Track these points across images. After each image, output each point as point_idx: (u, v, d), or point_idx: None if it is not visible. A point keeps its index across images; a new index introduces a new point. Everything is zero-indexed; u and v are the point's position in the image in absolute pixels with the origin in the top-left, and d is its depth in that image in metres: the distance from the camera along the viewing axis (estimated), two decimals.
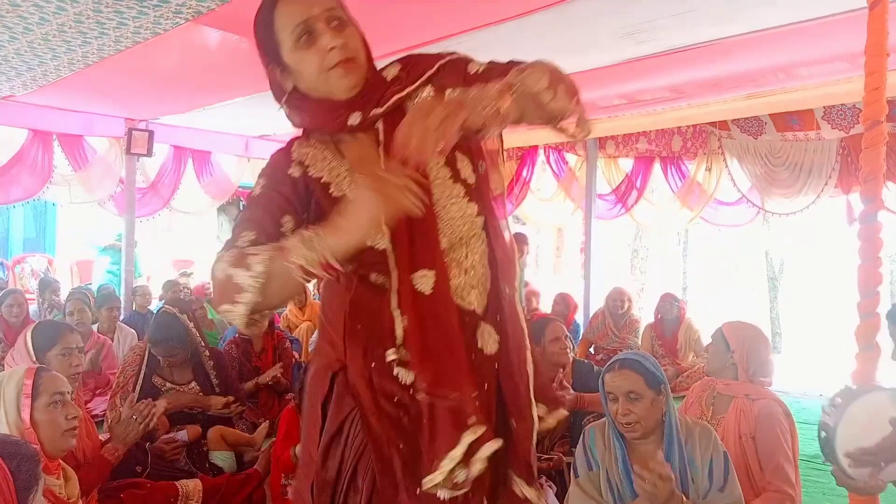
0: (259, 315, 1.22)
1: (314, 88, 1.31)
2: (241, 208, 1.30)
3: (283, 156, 1.36)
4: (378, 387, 1.30)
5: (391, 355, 1.28)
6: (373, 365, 1.32)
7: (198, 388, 3.24)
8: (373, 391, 1.30)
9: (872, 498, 1.86)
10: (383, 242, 1.26)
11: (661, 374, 2.13)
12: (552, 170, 7.22)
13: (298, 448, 2.77)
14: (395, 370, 1.29)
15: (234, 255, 1.20)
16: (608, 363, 2.23)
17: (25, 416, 1.92)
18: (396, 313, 1.28)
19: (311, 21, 1.25)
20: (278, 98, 1.39)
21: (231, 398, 3.22)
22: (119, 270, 6.91)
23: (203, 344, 3.35)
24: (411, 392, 1.27)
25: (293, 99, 1.36)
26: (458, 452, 1.18)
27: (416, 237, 1.28)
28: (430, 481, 1.20)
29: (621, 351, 5.15)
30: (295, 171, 1.32)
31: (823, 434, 1.76)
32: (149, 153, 6.15)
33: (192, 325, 3.28)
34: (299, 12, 1.26)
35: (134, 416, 2.53)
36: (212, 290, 1.22)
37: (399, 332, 1.28)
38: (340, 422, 1.35)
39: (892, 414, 1.63)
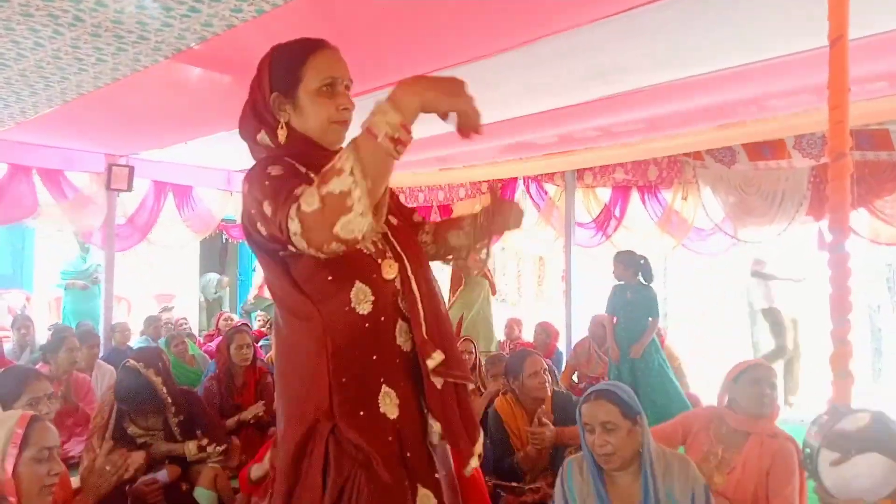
0: (375, 214, 1.28)
1: (310, 129, 1.48)
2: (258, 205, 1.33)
3: (275, 158, 1.45)
4: (374, 433, 1.39)
5: (437, 358, 1.43)
6: (361, 413, 1.39)
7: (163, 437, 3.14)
8: (374, 438, 1.39)
9: None
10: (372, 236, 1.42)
11: (636, 404, 2.13)
12: (532, 200, 7.29)
13: (255, 468, 2.73)
14: (385, 406, 1.42)
15: (313, 185, 1.21)
16: (584, 394, 2.24)
17: (9, 466, 1.86)
18: (419, 307, 1.45)
19: (339, 80, 1.49)
20: (262, 121, 1.50)
21: (205, 440, 3.10)
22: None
23: (168, 400, 3.22)
24: (397, 426, 1.43)
25: (288, 128, 1.49)
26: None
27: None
28: (476, 451, 1.48)
29: (605, 377, 5.18)
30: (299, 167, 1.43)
31: (807, 451, 1.78)
32: (129, 188, 6.13)
33: (158, 379, 3.18)
34: (334, 68, 1.49)
35: (107, 467, 2.47)
36: (309, 227, 1.18)
37: (422, 328, 1.44)
38: (341, 486, 1.37)
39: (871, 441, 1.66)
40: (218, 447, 3.12)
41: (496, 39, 3.10)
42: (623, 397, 2.12)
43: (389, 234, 1.52)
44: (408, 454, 1.44)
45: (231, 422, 4.06)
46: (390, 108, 1.19)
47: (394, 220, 1.57)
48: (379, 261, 1.46)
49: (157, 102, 4.28)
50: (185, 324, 7.45)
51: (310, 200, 1.19)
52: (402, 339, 1.47)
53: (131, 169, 6.06)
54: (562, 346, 6.53)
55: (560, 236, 7.04)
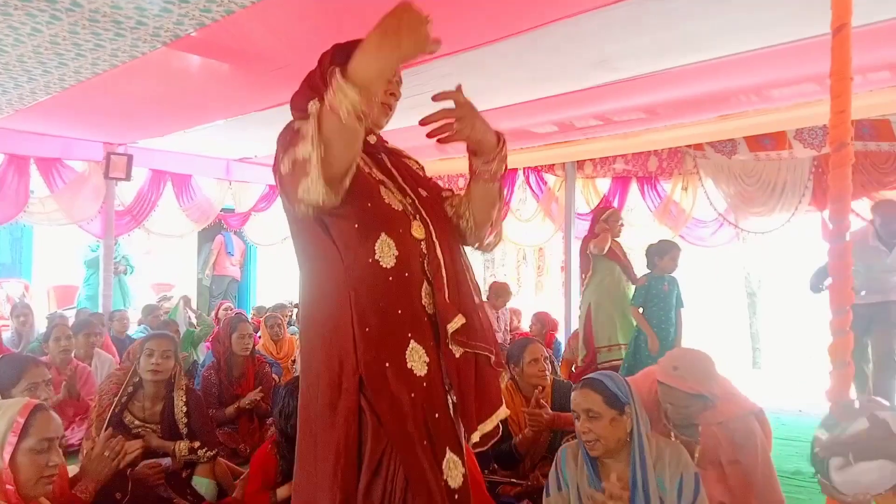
0: (338, 182, 1.35)
1: None
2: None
3: None
4: (400, 385, 1.42)
5: (458, 322, 1.46)
6: (387, 365, 1.42)
7: (160, 433, 3.09)
8: (399, 393, 1.42)
9: None
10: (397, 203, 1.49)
11: (623, 395, 2.13)
12: (532, 190, 7.28)
13: (283, 490, 2.72)
14: (412, 361, 1.43)
15: (290, 147, 1.34)
16: (577, 382, 2.26)
17: (7, 455, 1.86)
18: (443, 272, 1.50)
19: (397, 71, 1.61)
20: (316, 91, 1.49)
21: (197, 443, 3.06)
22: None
23: (183, 388, 3.19)
24: (424, 384, 1.44)
25: None
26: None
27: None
28: (482, 429, 1.48)
29: (600, 369, 5.14)
30: None
31: (817, 449, 1.77)
32: (127, 177, 6.11)
33: (177, 366, 3.19)
34: None
35: (106, 453, 2.47)
36: (284, 186, 1.37)
37: (445, 292, 1.48)
38: (380, 456, 1.40)
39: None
40: (209, 452, 3.09)
41: (499, 26, 3.09)
42: (610, 387, 2.13)
43: (418, 202, 1.58)
44: (436, 415, 1.45)
45: (230, 410, 4.06)
46: (347, 86, 1.23)
47: (423, 192, 1.63)
48: (410, 218, 1.53)
49: (155, 90, 4.27)
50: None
51: (286, 163, 1.32)
52: (426, 301, 1.50)
53: (130, 157, 6.04)
54: (561, 337, 6.53)
55: (559, 230, 7.03)
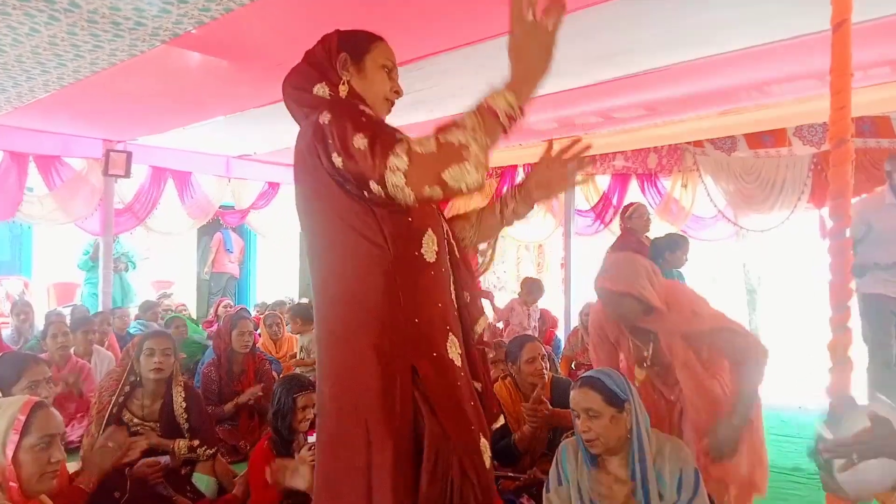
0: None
1: (368, 94, 1.58)
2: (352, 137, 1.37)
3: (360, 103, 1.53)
4: (447, 376, 1.48)
5: (482, 324, 1.59)
6: (434, 355, 1.48)
7: (159, 431, 3.08)
8: (449, 381, 1.48)
9: None
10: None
11: (623, 392, 2.13)
12: None
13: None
14: (452, 353, 1.50)
15: (430, 134, 1.31)
16: (576, 380, 2.25)
17: (9, 452, 1.87)
18: (462, 268, 1.61)
19: (395, 69, 1.65)
20: (324, 75, 1.57)
21: (196, 442, 3.04)
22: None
23: (181, 383, 3.18)
24: (462, 373, 1.51)
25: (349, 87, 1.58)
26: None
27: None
28: (500, 422, 1.64)
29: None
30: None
31: (820, 448, 1.76)
32: (127, 174, 6.10)
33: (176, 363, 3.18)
34: (393, 58, 1.65)
35: (110, 444, 2.47)
36: (417, 164, 1.28)
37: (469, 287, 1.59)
38: (436, 449, 1.43)
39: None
40: (208, 450, 3.09)
41: (500, 22, 3.07)
42: (609, 385, 2.13)
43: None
44: (472, 403, 1.52)
45: (229, 406, 4.06)
46: (510, 92, 1.32)
47: None
48: (439, 215, 1.60)
49: (154, 87, 4.26)
50: (185, 310, 7.46)
51: (426, 143, 1.29)
52: (453, 297, 1.58)
53: (129, 154, 6.03)
54: (561, 334, 6.53)
55: (560, 225, 7.03)
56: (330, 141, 1.38)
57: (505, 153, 6.66)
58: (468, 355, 1.57)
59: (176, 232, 7.42)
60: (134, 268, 7.54)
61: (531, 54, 1.35)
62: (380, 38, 1.65)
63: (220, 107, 4.80)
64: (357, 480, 1.44)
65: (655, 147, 6.18)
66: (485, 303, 5.76)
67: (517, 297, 6.34)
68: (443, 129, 1.30)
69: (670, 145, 6.09)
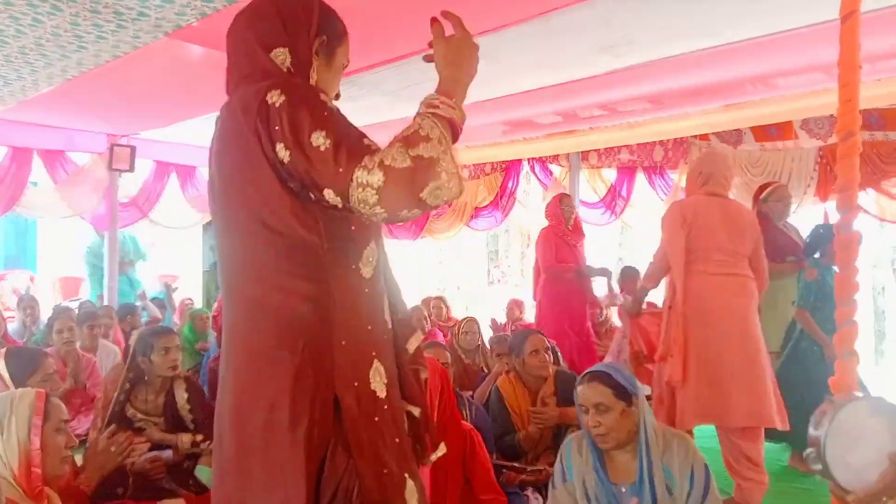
0: None
1: (325, 88, 1.42)
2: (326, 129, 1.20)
3: (319, 90, 1.37)
4: (363, 410, 1.30)
5: (414, 342, 1.46)
6: (355, 385, 1.30)
7: (163, 425, 3.07)
8: (364, 416, 1.30)
9: None
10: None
11: (632, 386, 2.12)
12: (538, 180, 7.27)
13: None
14: (375, 383, 1.32)
15: (399, 143, 1.17)
16: (581, 375, 2.24)
17: (36, 438, 1.90)
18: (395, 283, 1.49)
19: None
20: (294, 48, 1.38)
21: (199, 436, 3.03)
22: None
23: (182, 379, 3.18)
24: (385, 406, 1.34)
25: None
26: None
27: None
28: (440, 452, 1.51)
29: (604, 359, 5.11)
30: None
31: (811, 450, 1.74)
32: (131, 168, 6.12)
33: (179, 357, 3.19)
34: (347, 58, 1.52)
35: (112, 448, 2.48)
36: (395, 182, 1.13)
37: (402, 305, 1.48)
38: (337, 483, 1.26)
39: (876, 429, 1.63)
40: (211, 444, 3.08)
41: (503, 12, 3.06)
42: (617, 379, 2.12)
43: None
44: (396, 440, 1.34)
45: None
46: (457, 106, 1.25)
47: None
48: (380, 227, 1.42)
49: (158, 80, 4.26)
50: (191, 304, 7.46)
51: (398, 157, 1.14)
52: (387, 316, 1.41)
53: (133, 148, 6.04)
54: None
55: None
56: (277, 127, 1.20)
57: (509, 147, 6.64)
58: (401, 377, 1.41)
59: (182, 226, 7.43)
60: (145, 259, 7.56)
61: (461, 62, 1.33)
62: (347, 34, 1.49)
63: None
64: None
65: (661, 140, 6.16)
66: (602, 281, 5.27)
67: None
68: (408, 140, 1.16)
69: (676, 138, 6.06)
